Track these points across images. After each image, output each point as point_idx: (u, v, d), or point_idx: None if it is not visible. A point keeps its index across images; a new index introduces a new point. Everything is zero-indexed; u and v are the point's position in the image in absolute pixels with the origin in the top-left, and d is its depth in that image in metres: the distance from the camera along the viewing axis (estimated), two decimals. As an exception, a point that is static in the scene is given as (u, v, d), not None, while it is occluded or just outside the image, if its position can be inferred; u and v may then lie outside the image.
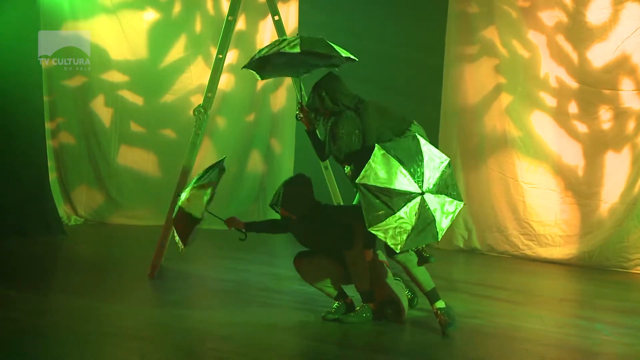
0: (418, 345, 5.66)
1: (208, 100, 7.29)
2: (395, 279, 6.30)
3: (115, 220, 9.93)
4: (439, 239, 5.67)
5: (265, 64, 6.28)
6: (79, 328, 5.63)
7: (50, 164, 9.50)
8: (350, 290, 6.18)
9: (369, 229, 5.51)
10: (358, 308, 6.02)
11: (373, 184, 5.49)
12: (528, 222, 8.98)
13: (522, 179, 9.02)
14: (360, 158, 5.78)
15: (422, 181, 5.55)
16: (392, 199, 5.47)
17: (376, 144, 5.58)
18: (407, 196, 5.50)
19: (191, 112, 7.46)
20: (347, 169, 6.08)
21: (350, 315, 5.99)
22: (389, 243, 5.52)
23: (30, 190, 8.79)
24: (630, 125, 8.47)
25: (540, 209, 8.95)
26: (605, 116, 8.59)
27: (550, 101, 8.88)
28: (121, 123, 9.92)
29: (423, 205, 5.53)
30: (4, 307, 6.04)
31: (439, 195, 5.61)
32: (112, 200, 9.92)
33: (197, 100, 8.74)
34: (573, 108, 8.77)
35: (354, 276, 5.99)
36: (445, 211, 5.64)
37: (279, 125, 10.23)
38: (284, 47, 5.96)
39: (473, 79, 9.26)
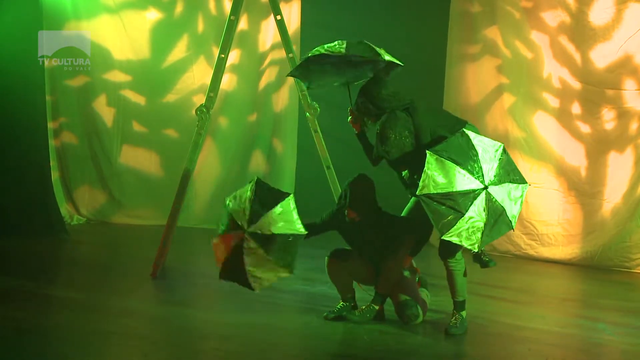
0: (421, 344, 5.66)
1: (210, 100, 7.29)
2: (422, 289, 6.28)
3: (117, 219, 9.92)
4: (514, 227, 5.57)
5: (312, 72, 6.11)
6: (81, 327, 5.63)
7: (53, 163, 9.51)
8: (358, 291, 6.18)
9: (442, 237, 5.41)
10: (364, 307, 6.01)
11: (434, 192, 5.36)
12: (530, 222, 8.98)
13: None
14: (416, 160, 5.64)
15: (483, 175, 5.44)
16: (458, 202, 5.37)
17: (427, 150, 5.44)
18: (472, 194, 5.40)
19: (193, 112, 7.46)
20: (405, 173, 5.99)
21: (355, 314, 5.99)
22: (466, 245, 5.42)
23: (32, 190, 8.79)
24: (633, 125, 8.47)
25: (542, 208, 8.94)
26: (608, 116, 8.59)
27: (553, 101, 8.87)
28: (123, 123, 9.92)
29: (490, 199, 5.43)
30: (7, 305, 6.04)
31: (502, 184, 5.50)
32: (114, 200, 9.92)
33: (200, 100, 8.73)
34: (576, 108, 8.76)
35: (383, 279, 5.97)
36: (512, 198, 5.53)
37: (281, 125, 10.22)
38: (330, 49, 5.87)
39: (475, 79, 9.25)
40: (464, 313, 5.84)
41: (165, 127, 10.02)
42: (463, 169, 5.41)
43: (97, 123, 9.87)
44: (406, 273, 6.14)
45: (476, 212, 5.39)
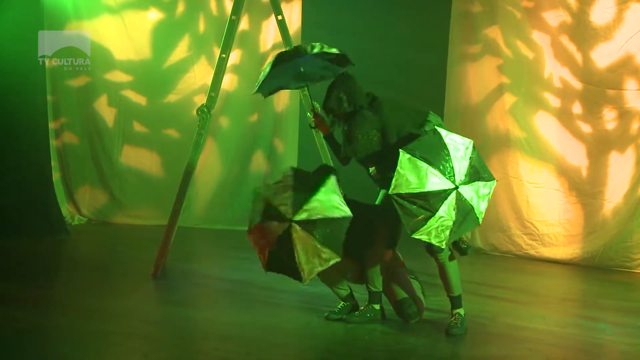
0: (422, 344, 5.65)
1: (211, 100, 7.29)
2: (411, 277, 6.31)
3: (118, 219, 9.93)
4: (480, 222, 5.64)
5: (271, 81, 6.10)
6: (82, 327, 5.63)
7: (54, 163, 9.51)
8: (360, 290, 6.18)
9: (413, 236, 5.46)
10: (362, 308, 6.01)
11: (406, 191, 5.41)
12: (531, 222, 8.98)
13: (525, 179, 9.01)
14: (384, 157, 5.72)
15: (454, 175, 5.48)
16: (429, 202, 5.41)
17: (400, 149, 5.47)
18: (443, 194, 5.44)
19: (194, 112, 7.46)
20: (372, 169, 6.02)
21: (355, 315, 5.99)
22: (434, 242, 5.47)
23: (33, 190, 8.79)
24: (634, 125, 8.46)
25: (543, 208, 8.94)
26: (609, 116, 8.58)
27: (554, 101, 8.87)
28: (124, 123, 9.92)
29: (460, 198, 5.48)
30: (7, 305, 6.04)
31: (472, 183, 5.55)
32: (115, 200, 9.92)
33: (201, 100, 8.73)
34: (577, 108, 8.76)
35: (369, 275, 5.97)
36: (480, 195, 5.59)
37: (282, 125, 10.22)
38: (299, 49, 5.89)
39: (476, 78, 9.25)
40: (462, 311, 5.84)
41: (166, 127, 10.03)
42: (435, 169, 5.47)
43: (98, 123, 9.87)
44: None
45: (446, 212, 5.46)
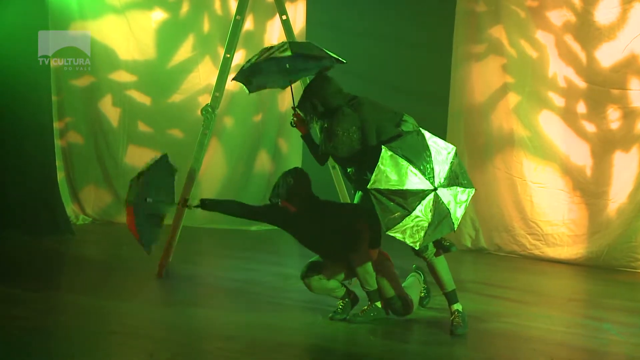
0: (426, 344, 5.66)
1: (216, 99, 7.30)
2: (417, 272, 6.33)
3: (123, 219, 9.82)
4: (455, 229, 5.68)
5: (255, 74, 6.23)
6: (87, 327, 5.64)
7: (59, 163, 9.51)
8: (357, 290, 6.18)
9: (387, 232, 5.50)
10: (365, 307, 6.02)
11: (385, 187, 5.46)
12: (535, 222, 8.96)
13: (529, 179, 9.00)
14: (363, 156, 5.77)
15: (434, 177, 5.53)
16: (407, 200, 5.45)
17: (383, 146, 5.53)
18: (421, 194, 5.49)
19: (199, 112, 7.47)
20: (350, 170, 6.04)
21: (358, 315, 6.00)
22: (408, 242, 5.51)
23: (38, 190, 8.81)
24: (639, 125, 8.45)
25: (547, 208, 8.93)
26: (613, 115, 8.57)
27: (558, 101, 8.86)
28: (129, 123, 9.93)
29: (437, 200, 5.52)
30: (12, 305, 6.06)
31: (451, 187, 5.60)
32: (120, 200, 9.91)
33: (205, 100, 8.74)
34: (581, 107, 8.75)
35: (360, 278, 5.99)
36: (458, 201, 5.64)
37: (286, 125, 10.21)
38: (273, 52, 5.96)
39: (480, 78, 9.24)
40: (460, 306, 5.85)
41: (171, 127, 10.04)
42: (415, 168, 5.51)
43: (102, 123, 9.88)
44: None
45: (422, 212, 5.49)
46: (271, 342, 5.50)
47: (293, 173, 6.02)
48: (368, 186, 5.47)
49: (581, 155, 8.76)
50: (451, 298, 5.89)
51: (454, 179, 5.64)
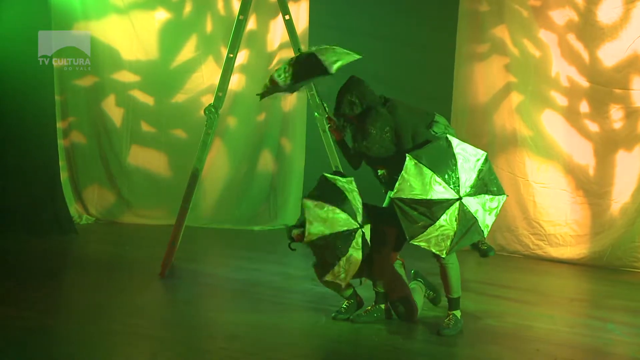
0: (429, 344, 5.66)
1: (219, 99, 7.30)
2: (417, 280, 6.31)
3: (126, 219, 9.94)
4: (486, 235, 5.64)
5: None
6: (89, 326, 5.65)
7: (62, 163, 9.52)
8: (360, 290, 6.18)
9: (411, 242, 5.49)
10: (369, 308, 6.03)
11: (408, 197, 5.43)
12: (538, 222, 8.96)
13: (532, 179, 8.99)
14: (394, 159, 5.70)
15: (459, 186, 5.49)
16: (431, 209, 5.43)
17: (407, 155, 5.48)
18: (445, 204, 5.45)
19: (202, 112, 7.47)
20: (381, 172, 6.01)
21: (362, 315, 6.00)
22: (434, 250, 5.51)
23: (41, 189, 8.82)
24: (642, 125, 8.45)
25: (550, 208, 8.92)
26: (616, 115, 8.57)
27: (561, 100, 8.85)
28: (132, 123, 9.93)
29: (463, 209, 5.49)
30: (15, 305, 6.06)
31: (478, 195, 5.56)
32: (123, 200, 9.93)
33: (208, 100, 8.73)
34: (584, 107, 8.74)
35: (377, 277, 5.98)
36: (487, 208, 5.59)
37: (289, 125, 10.22)
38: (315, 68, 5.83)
39: (483, 78, 9.23)
40: (458, 313, 5.86)
41: (174, 127, 10.04)
42: (439, 177, 5.46)
43: (106, 123, 9.88)
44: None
45: (447, 221, 5.47)
46: (274, 342, 5.51)
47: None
48: (392, 195, 5.44)
49: (584, 155, 8.75)
50: (453, 304, 5.89)
51: (482, 187, 5.58)
